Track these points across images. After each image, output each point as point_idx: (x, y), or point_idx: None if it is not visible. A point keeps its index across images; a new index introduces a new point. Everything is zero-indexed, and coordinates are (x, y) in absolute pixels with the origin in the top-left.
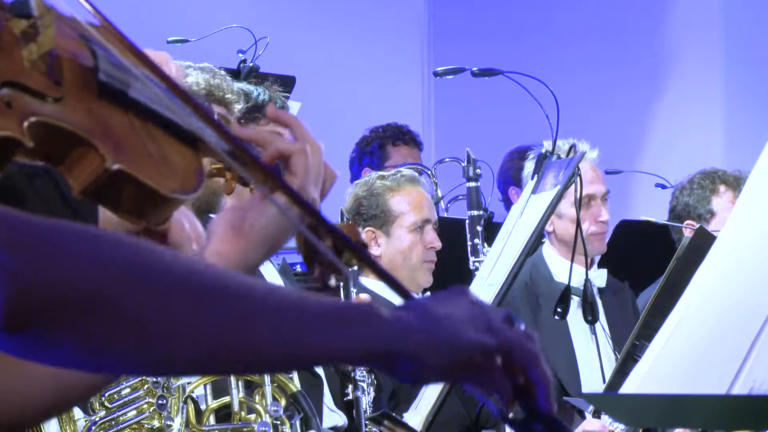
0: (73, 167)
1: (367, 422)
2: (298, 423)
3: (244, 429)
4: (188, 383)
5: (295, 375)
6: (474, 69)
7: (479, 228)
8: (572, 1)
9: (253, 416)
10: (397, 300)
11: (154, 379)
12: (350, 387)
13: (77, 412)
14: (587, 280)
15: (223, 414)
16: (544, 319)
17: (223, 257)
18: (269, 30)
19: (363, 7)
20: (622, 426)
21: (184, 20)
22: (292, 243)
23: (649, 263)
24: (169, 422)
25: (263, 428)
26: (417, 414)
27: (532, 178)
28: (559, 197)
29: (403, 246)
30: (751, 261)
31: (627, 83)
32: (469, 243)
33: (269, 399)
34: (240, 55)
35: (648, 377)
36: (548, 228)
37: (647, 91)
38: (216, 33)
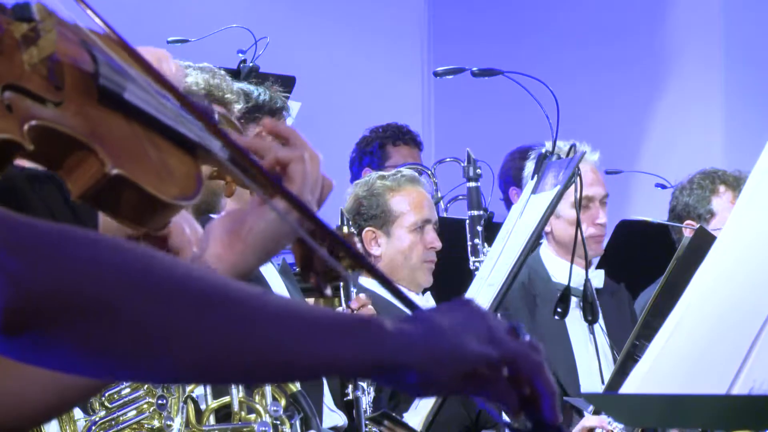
0: (73, 171)
1: (367, 422)
2: (298, 423)
3: (244, 429)
4: None
5: None
6: (474, 69)
7: (479, 228)
8: (572, 1)
9: (253, 416)
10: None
11: None
12: (350, 387)
13: (77, 412)
14: (587, 280)
15: (223, 414)
16: (542, 319)
17: (221, 260)
18: (269, 30)
19: (363, 7)
20: (620, 426)
21: (184, 20)
22: None
23: (648, 263)
24: (169, 422)
25: (263, 428)
26: (417, 414)
27: (532, 178)
28: (559, 197)
29: (404, 246)
30: (751, 261)
31: (627, 83)
32: (469, 243)
33: (269, 399)
34: (240, 55)
35: (648, 377)
36: (546, 228)
37: (647, 91)
38: (216, 33)
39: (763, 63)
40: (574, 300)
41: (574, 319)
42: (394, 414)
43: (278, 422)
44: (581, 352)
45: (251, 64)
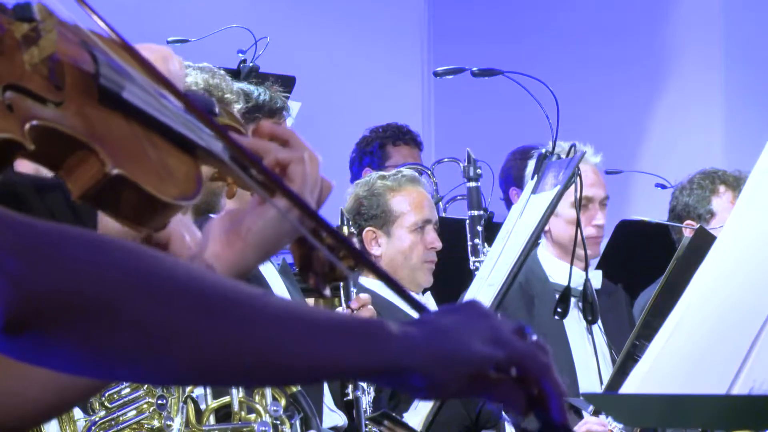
0: (73, 171)
1: (367, 422)
2: (298, 423)
3: (244, 429)
4: None
5: None
6: (474, 69)
7: (479, 228)
8: (572, 1)
9: (253, 416)
10: (398, 298)
11: None
12: (350, 387)
13: (77, 412)
14: (587, 280)
15: (223, 414)
16: (540, 319)
17: (220, 259)
18: (269, 30)
19: (363, 7)
20: (620, 426)
21: (184, 20)
22: None
23: (648, 263)
24: (169, 422)
25: (263, 428)
26: (417, 414)
27: (532, 178)
28: (559, 197)
29: (404, 246)
30: (751, 261)
31: (627, 83)
32: (469, 243)
33: (269, 399)
34: (240, 55)
35: (648, 377)
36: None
37: (647, 91)
38: (216, 33)
39: (763, 63)
40: (572, 300)
41: (573, 319)
42: (394, 414)
43: (278, 422)
44: (579, 353)
45: (251, 64)
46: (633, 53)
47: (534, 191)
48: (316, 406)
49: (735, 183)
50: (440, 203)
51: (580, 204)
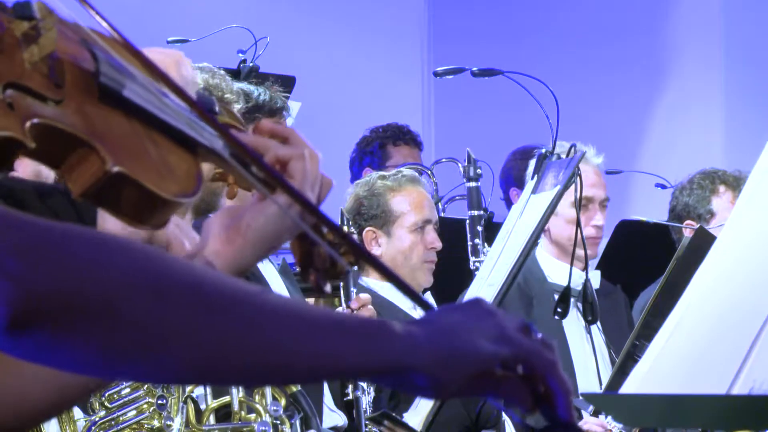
0: (74, 169)
1: (367, 422)
2: (298, 423)
3: (244, 429)
4: None
5: None
6: (474, 69)
7: (479, 228)
8: (572, 1)
9: (253, 416)
10: (398, 298)
11: None
12: (350, 387)
13: (77, 412)
14: (587, 280)
15: (223, 414)
16: (538, 320)
17: (219, 256)
18: (269, 30)
19: (363, 7)
20: (620, 426)
21: (184, 20)
22: None
23: (648, 263)
24: (169, 422)
25: (263, 428)
26: (417, 414)
27: (532, 178)
28: (559, 197)
29: (404, 246)
30: (751, 261)
31: (627, 83)
32: (469, 243)
33: (269, 399)
34: (240, 55)
35: (648, 377)
36: None
37: (647, 91)
38: (216, 33)
39: (763, 63)
40: (571, 300)
41: (572, 319)
42: (394, 414)
43: (278, 422)
44: (578, 353)
45: (251, 64)
46: (633, 53)
47: (534, 191)
48: (316, 406)
49: (735, 183)
50: (440, 203)
51: (580, 204)
